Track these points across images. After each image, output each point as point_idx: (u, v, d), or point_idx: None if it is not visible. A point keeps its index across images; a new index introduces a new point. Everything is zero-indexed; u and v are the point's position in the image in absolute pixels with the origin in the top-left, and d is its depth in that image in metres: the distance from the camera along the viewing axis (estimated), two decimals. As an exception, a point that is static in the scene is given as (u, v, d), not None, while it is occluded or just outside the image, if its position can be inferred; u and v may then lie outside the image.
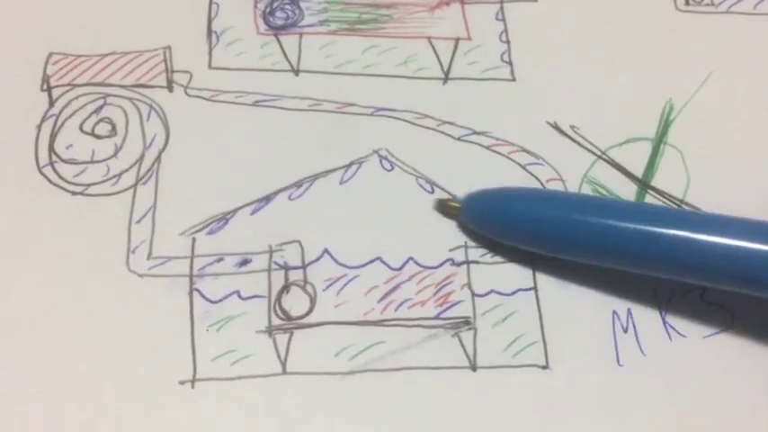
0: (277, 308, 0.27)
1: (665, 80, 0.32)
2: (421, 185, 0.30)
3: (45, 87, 0.30)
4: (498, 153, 0.30)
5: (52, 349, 0.26)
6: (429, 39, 0.32)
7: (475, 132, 0.31)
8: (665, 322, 0.28)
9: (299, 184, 0.29)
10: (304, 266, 0.28)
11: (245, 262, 0.28)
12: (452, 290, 0.28)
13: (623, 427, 0.26)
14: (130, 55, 0.31)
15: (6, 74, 0.30)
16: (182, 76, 0.31)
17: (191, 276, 0.27)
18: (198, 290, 0.27)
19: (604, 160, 0.31)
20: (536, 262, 0.28)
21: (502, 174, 0.30)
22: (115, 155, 0.29)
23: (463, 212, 0.28)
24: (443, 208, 0.29)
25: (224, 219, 0.28)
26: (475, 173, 0.30)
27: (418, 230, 0.29)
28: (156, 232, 0.28)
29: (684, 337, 0.28)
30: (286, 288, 0.27)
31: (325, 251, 0.28)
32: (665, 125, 0.31)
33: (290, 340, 0.27)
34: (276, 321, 0.27)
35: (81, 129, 0.30)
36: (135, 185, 0.29)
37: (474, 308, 0.28)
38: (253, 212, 0.29)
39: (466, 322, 0.27)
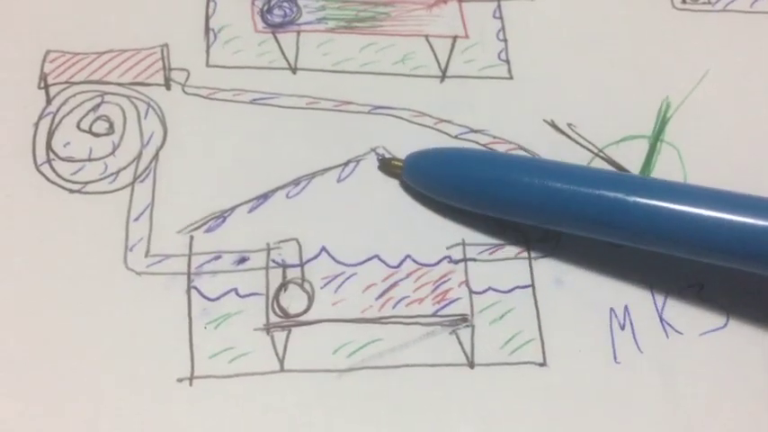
0: (275, 305, 0.27)
1: (662, 78, 0.32)
2: (418, 183, 0.30)
3: (42, 85, 0.30)
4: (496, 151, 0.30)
5: (50, 347, 0.26)
6: (426, 37, 0.33)
7: (472, 130, 0.31)
8: (661, 319, 0.28)
9: (296, 182, 0.29)
10: (302, 264, 0.28)
11: (242, 260, 0.28)
12: (450, 287, 0.28)
13: (620, 423, 0.26)
14: (128, 53, 0.31)
15: (3, 71, 0.30)
16: (179, 73, 0.31)
17: (188, 274, 0.27)
18: (196, 287, 0.27)
19: (601, 158, 0.31)
20: (533, 260, 0.28)
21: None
22: (113, 153, 0.29)
23: (405, 171, 0.29)
24: (386, 167, 0.29)
25: (222, 216, 0.28)
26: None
27: (416, 228, 0.29)
28: (154, 230, 0.28)
29: (681, 334, 0.28)
30: (284, 286, 0.27)
31: (323, 249, 0.28)
32: (661, 123, 0.31)
33: (287, 338, 0.27)
34: (274, 319, 0.27)
35: (78, 127, 0.29)
36: (132, 183, 0.29)
37: (471, 305, 0.28)
38: (250, 210, 0.29)
39: (463, 319, 0.27)
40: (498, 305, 0.28)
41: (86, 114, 0.30)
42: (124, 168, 0.29)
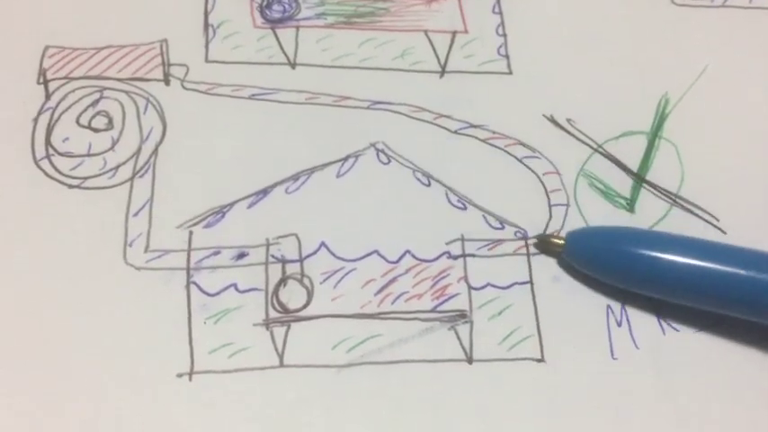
0: (274, 301, 0.27)
1: (661, 74, 0.32)
2: (417, 178, 0.30)
3: (41, 80, 0.30)
4: (495, 146, 0.30)
5: (49, 342, 0.26)
6: (426, 32, 0.32)
7: (471, 125, 0.31)
8: (658, 316, 0.28)
9: (295, 178, 0.29)
10: (301, 259, 0.28)
11: (242, 255, 0.28)
12: (449, 283, 0.28)
13: (617, 419, 0.26)
14: (127, 48, 0.31)
15: (3, 67, 0.30)
16: (178, 69, 0.31)
17: (188, 269, 0.27)
18: (195, 283, 0.27)
19: (600, 153, 0.31)
20: (532, 257, 0.29)
21: (498, 167, 0.30)
22: (112, 148, 0.29)
23: (566, 250, 0.28)
24: (545, 246, 0.28)
25: (221, 212, 0.28)
26: (471, 166, 0.30)
27: (415, 223, 0.29)
28: (154, 225, 0.28)
29: (677, 331, 0.28)
30: (283, 281, 0.27)
31: (322, 244, 0.28)
32: (660, 119, 0.32)
33: (287, 333, 0.27)
34: (273, 314, 0.27)
35: (78, 122, 0.29)
36: (132, 179, 0.29)
37: (470, 301, 0.28)
38: (250, 206, 0.29)
39: (462, 315, 0.27)
40: (497, 301, 0.28)
41: (85, 110, 0.30)
42: (123, 164, 0.29)
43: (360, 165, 0.30)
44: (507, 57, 0.32)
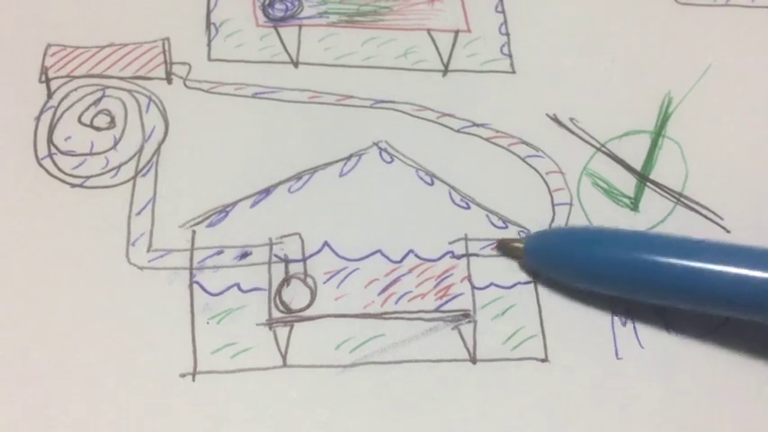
0: (277, 300, 0.27)
1: (664, 73, 0.32)
2: (421, 177, 0.30)
3: (43, 79, 0.30)
4: (498, 145, 0.30)
5: (51, 342, 0.26)
6: (428, 31, 0.32)
7: (474, 124, 0.31)
8: (663, 316, 0.28)
9: (298, 177, 0.29)
10: (304, 259, 0.28)
11: (245, 254, 0.28)
12: (452, 282, 0.28)
13: (621, 419, 0.26)
14: (129, 46, 0.31)
15: (4, 65, 0.30)
16: (181, 67, 0.31)
17: (191, 269, 0.27)
18: (198, 282, 0.27)
19: (604, 153, 0.31)
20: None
21: (501, 166, 0.30)
22: (114, 147, 0.29)
23: (526, 253, 0.28)
24: (506, 249, 0.28)
25: (224, 211, 0.28)
26: (474, 165, 0.30)
27: (418, 223, 0.29)
28: (156, 225, 0.28)
29: (682, 330, 0.28)
30: (286, 281, 0.27)
31: (326, 244, 0.28)
32: (663, 118, 0.31)
33: (290, 333, 0.27)
34: (276, 314, 0.27)
35: (80, 121, 0.29)
36: (134, 178, 0.29)
37: (474, 301, 0.28)
38: (253, 205, 0.29)
39: (466, 315, 0.27)
40: (500, 301, 0.28)
41: (88, 108, 0.30)
42: (126, 163, 0.29)
43: (363, 164, 0.30)
44: (510, 56, 0.32)
